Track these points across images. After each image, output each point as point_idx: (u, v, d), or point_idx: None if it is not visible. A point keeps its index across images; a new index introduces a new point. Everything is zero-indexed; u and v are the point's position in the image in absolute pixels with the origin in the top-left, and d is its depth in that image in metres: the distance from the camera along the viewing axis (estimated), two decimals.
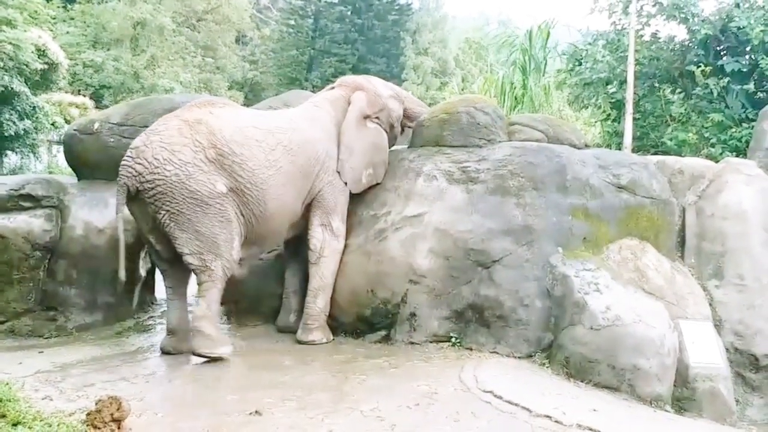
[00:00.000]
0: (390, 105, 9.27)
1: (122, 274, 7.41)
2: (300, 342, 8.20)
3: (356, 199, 8.84)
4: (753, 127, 12.92)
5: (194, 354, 7.29)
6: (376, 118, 9.06)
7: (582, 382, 7.09)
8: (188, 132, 7.31)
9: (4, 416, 4.98)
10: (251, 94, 39.10)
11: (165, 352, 7.65)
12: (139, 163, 7.16)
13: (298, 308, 8.62)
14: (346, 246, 8.60)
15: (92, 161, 9.26)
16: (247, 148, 7.53)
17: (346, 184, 8.56)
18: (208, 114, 7.57)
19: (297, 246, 8.68)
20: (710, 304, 8.23)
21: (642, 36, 15.42)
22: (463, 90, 30.11)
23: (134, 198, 7.28)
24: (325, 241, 8.37)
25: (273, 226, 7.97)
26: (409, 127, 9.61)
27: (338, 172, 8.51)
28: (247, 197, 7.52)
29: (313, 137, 8.28)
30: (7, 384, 5.55)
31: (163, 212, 7.21)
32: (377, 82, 9.47)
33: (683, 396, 7.36)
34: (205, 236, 7.26)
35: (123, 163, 7.29)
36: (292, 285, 8.85)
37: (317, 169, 8.26)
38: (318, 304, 8.32)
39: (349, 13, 41.17)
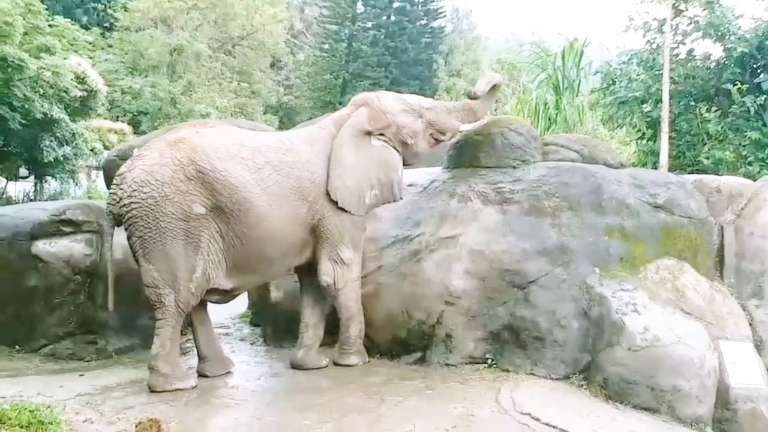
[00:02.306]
0: (399, 120, 8.36)
1: (111, 305, 7.41)
2: (337, 364, 8.15)
3: (390, 220, 8.87)
4: None
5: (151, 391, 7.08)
6: (381, 134, 8.31)
7: (620, 403, 7.00)
8: (168, 152, 7.14)
9: None
10: (286, 118, 39.54)
11: (201, 375, 7.69)
12: (121, 189, 7.11)
13: (309, 343, 8.21)
14: (380, 268, 8.60)
15: None
16: (230, 164, 7.21)
17: (336, 203, 7.86)
18: (193, 133, 7.40)
19: (312, 274, 8.16)
20: (750, 324, 8.10)
21: (677, 54, 15.32)
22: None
23: (120, 225, 7.27)
24: (337, 275, 7.96)
25: (263, 250, 7.51)
26: (442, 140, 8.87)
27: (328, 192, 7.84)
28: (228, 216, 7.19)
29: (308, 158, 7.80)
30: (49, 407, 5.66)
31: (134, 238, 7.13)
32: (387, 97, 8.62)
33: (724, 418, 7.25)
34: (165, 267, 7.05)
35: (110, 190, 7.34)
36: (307, 317, 8.29)
37: (314, 192, 7.73)
38: (351, 332, 8.15)
39: (382, 36, 41.53)
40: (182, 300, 7.17)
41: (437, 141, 8.84)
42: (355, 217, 8.04)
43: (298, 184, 7.60)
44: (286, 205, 7.51)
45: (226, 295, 7.82)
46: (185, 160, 7.09)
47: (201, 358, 7.86)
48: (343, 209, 7.92)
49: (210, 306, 8.01)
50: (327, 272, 7.96)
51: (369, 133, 8.24)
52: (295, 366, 8.17)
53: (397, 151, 8.45)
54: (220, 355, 8.01)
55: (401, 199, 8.55)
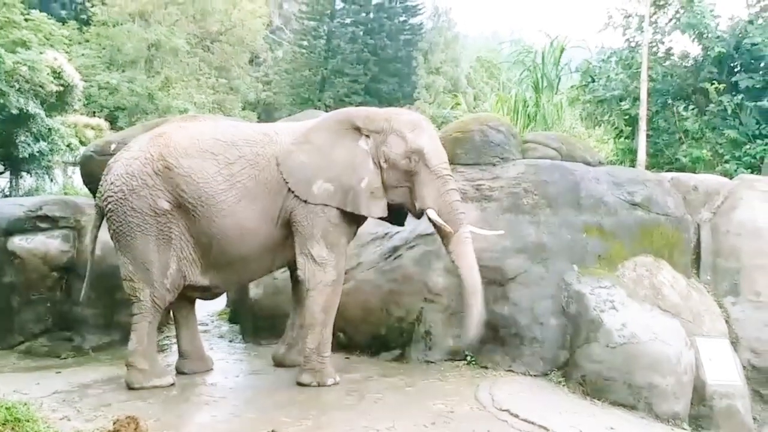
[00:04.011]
0: (390, 139, 7.25)
1: (84, 297, 7.55)
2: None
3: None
4: (767, 143, 12.93)
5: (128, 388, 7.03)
6: (367, 136, 7.33)
7: (598, 400, 7.07)
8: (146, 146, 7.13)
9: None
10: (264, 114, 39.30)
11: (180, 372, 7.65)
12: (105, 181, 7.18)
13: (292, 342, 8.08)
14: (359, 264, 8.56)
15: None
16: (196, 160, 7.01)
17: (280, 171, 7.14)
18: (175, 128, 7.34)
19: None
20: (727, 321, 8.20)
21: (656, 52, 15.41)
22: (475, 108, 30.15)
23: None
24: (309, 272, 7.18)
25: (235, 247, 7.16)
26: (414, 205, 7.32)
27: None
28: (192, 214, 7.00)
29: (287, 150, 7.24)
30: (26, 404, 5.59)
31: (111, 230, 7.17)
32: (408, 117, 7.48)
33: (700, 414, 7.33)
34: (139, 261, 7.01)
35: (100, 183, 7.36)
36: (294, 315, 8.07)
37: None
38: (308, 343, 7.26)
39: (361, 33, 41.38)
40: (158, 295, 7.11)
41: (411, 200, 7.36)
42: (328, 212, 7.17)
43: (272, 176, 7.16)
44: (259, 200, 7.14)
45: (207, 292, 7.71)
46: (156, 155, 7.06)
47: (181, 355, 7.82)
48: (321, 206, 7.16)
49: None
50: (300, 267, 7.25)
51: (358, 130, 7.36)
52: (276, 362, 8.12)
53: (377, 167, 7.33)
54: (201, 353, 7.96)
55: (360, 213, 7.29)
